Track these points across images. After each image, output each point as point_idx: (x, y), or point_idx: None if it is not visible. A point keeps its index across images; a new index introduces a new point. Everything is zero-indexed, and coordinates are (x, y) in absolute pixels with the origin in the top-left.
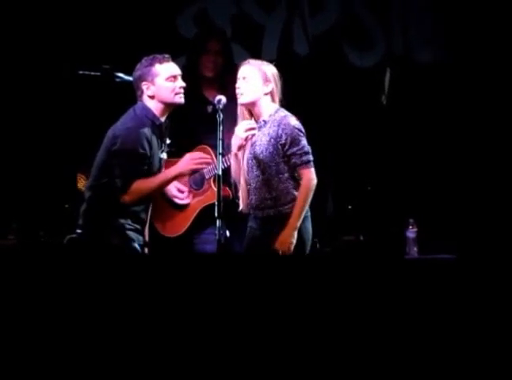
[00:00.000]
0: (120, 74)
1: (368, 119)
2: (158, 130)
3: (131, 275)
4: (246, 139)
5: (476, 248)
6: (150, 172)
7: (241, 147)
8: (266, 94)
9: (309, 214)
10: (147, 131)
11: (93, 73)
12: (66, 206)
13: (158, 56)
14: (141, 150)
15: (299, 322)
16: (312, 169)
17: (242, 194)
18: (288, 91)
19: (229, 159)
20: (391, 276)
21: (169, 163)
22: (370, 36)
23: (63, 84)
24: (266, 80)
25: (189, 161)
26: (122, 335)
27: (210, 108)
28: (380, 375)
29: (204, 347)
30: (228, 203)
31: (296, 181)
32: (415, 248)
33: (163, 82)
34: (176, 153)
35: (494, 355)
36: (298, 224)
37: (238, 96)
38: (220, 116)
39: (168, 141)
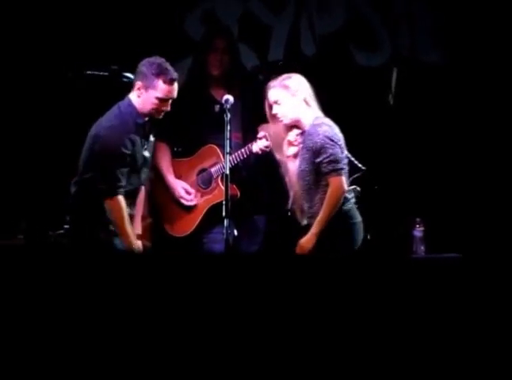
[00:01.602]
0: (128, 74)
1: (375, 119)
2: (141, 128)
3: (118, 272)
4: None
5: (484, 247)
6: (133, 170)
7: (288, 156)
8: (300, 103)
9: (357, 220)
10: (129, 129)
11: (101, 73)
12: None
13: (169, 73)
14: (123, 150)
15: (307, 321)
16: (341, 178)
17: (297, 211)
18: None
19: (236, 158)
20: (398, 275)
21: (177, 163)
22: (377, 37)
23: (71, 84)
24: (295, 91)
25: None
26: (120, 335)
27: (217, 108)
28: (386, 375)
29: (208, 347)
30: (236, 202)
31: None
32: (422, 247)
33: (153, 98)
34: (183, 153)
35: (501, 353)
36: (319, 231)
37: (279, 120)
38: (228, 116)
39: (152, 138)
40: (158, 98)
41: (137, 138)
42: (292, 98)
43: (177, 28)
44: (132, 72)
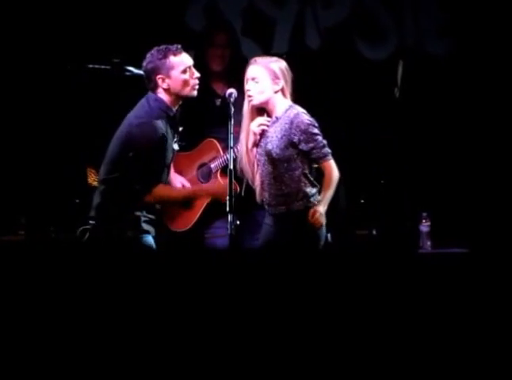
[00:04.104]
0: (130, 68)
1: (381, 112)
2: (172, 121)
3: (144, 270)
4: (261, 135)
5: (490, 242)
6: (165, 165)
7: (255, 143)
8: (277, 92)
9: None
10: (162, 124)
11: (102, 66)
12: (77, 201)
13: (172, 48)
14: (159, 145)
15: (312, 318)
16: (333, 161)
17: (257, 189)
18: (299, 84)
19: (235, 153)
20: (404, 270)
21: (177, 157)
22: (382, 29)
23: (72, 78)
24: (276, 77)
25: (222, 193)
26: (132, 331)
27: (218, 102)
28: (392, 372)
29: (216, 343)
30: (236, 197)
31: (308, 179)
32: (429, 243)
33: (179, 75)
34: (186, 147)
35: (509, 348)
36: (324, 209)
37: (248, 97)
38: (232, 110)
39: (180, 128)
40: (182, 71)
41: (169, 132)
42: (272, 82)
43: (178, 20)
44: (134, 65)
